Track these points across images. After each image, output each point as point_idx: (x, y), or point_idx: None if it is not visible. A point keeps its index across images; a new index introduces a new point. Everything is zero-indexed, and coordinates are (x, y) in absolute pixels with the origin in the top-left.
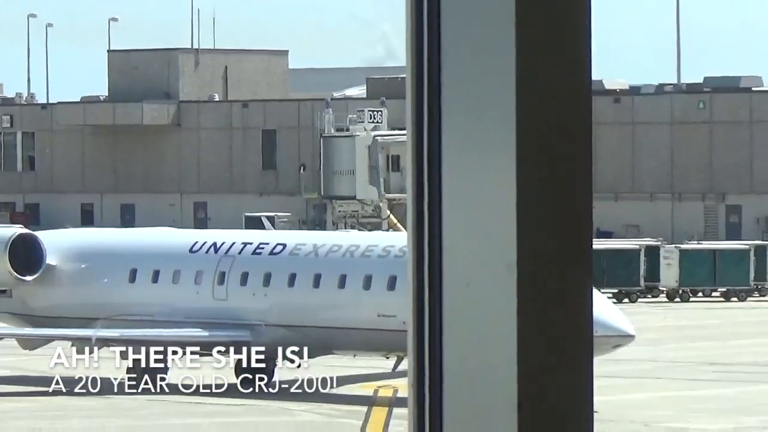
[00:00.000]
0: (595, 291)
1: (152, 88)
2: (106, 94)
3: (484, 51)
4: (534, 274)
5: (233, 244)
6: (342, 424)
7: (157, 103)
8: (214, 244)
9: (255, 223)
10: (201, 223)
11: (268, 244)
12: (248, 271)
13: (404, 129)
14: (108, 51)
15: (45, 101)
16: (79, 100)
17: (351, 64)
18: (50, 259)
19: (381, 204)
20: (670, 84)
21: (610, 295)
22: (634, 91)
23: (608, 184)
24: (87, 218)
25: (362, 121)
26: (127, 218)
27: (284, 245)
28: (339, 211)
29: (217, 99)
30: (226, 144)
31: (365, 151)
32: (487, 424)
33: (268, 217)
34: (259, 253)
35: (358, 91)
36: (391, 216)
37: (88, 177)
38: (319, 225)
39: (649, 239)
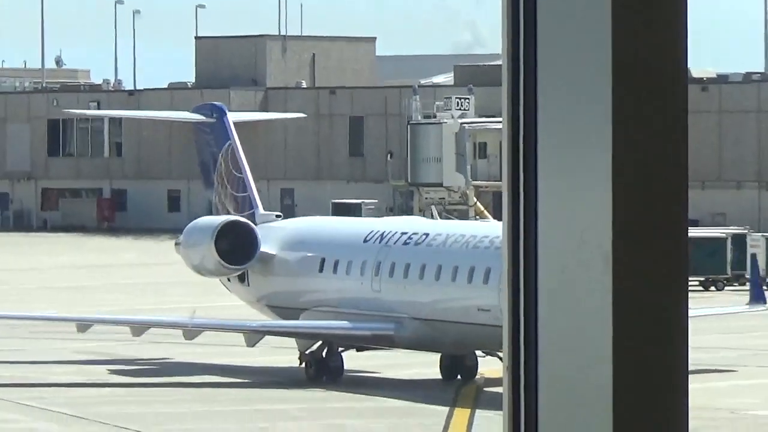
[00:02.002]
0: None
1: (239, 75)
2: (193, 80)
3: (580, 43)
4: (629, 262)
5: (394, 233)
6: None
7: (244, 89)
8: (382, 234)
9: (342, 210)
10: (287, 210)
11: (417, 234)
12: (395, 262)
13: (492, 116)
14: (195, 38)
15: (132, 88)
16: (166, 86)
17: (438, 51)
18: (264, 248)
19: (468, 191)
20: (758, 72)
21: (697, 283)
22: (722, 79)
23: (695, 173)
24: (173, 205)
25: (449, 109)
26: None
27: (427, 234)
28: (426, 198)
29: (305, 86)
30: (313, 131)
31: (452, 139)
32: (582, 409)
33: (354, 204)
34: (408, 244)
35: (446, 78)
36: (478, 203)
37: (174, 163)
38: (406, 212)
39: (735, 227)
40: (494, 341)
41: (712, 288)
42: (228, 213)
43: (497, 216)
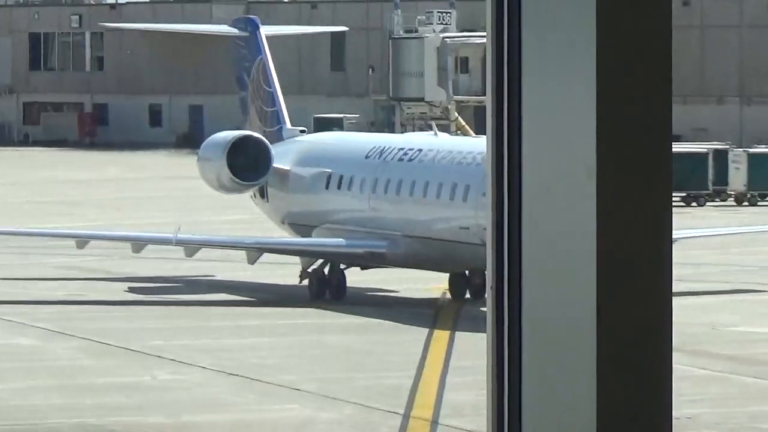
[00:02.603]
0: None
1: None
2: None
3: None
4: (613, 178)
5: (392, 149)
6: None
7: (226, 3)
8: (382, 150)
9: (323, 125)
10: None
11: (412, 150)
12: (389, 179)
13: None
14: None
15: (113, 1)
16: (148, 0)
17: None
18: (280, 163)
19: (449, 106)
20: None
21: (678, 198)
22: None
23: (676, 88)
24: (155, 119)
25: (431, 23)
26: (196, 119)
27: (420, 150)
28: (407, 113)
29: (287, 0)
30: (295, 45)
31: (434, 53)
32: (566, 324)
33: (336, 119)
34: (402, 160)
35: None
36: (459, 118)
37: (156, 77)
38: (388, 127)
39: (717, 143)
40: (479, 260)
41: (694, 204)
42: (259, 127)
43: (479, 131)
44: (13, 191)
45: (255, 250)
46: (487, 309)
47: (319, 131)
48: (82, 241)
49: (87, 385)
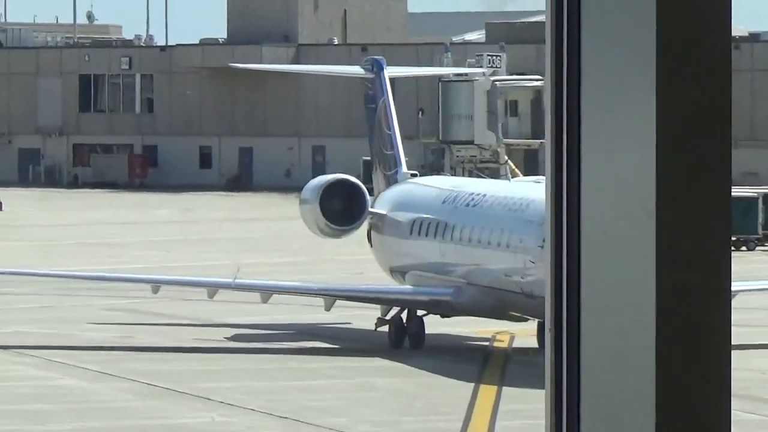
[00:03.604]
0: None
1: (271, 31)
2: (225, 36)
3: (625, 2)
4: (673, 221)
5: (464, 194)
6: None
7: (276, 46)
8: (456, 195)
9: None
10: (319, 167)
11: (478, 195)
12: (455, 225)
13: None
14: None
15: (164, 43)
16: (197, 42)
17: (470, 8)
18: (378, 208)
19: (499, 149)
20: None
21: None
22: (754, 38)
23: None
24: (205, 161)
25: (481, 66)
26: (245, 161)
27: (484, 195)
28: (457, 156)
29: (336, 42)
30: (345, 87)
31: (484, 96)
32: (625, 364)
33: None
34: (468, 206)
35: (478, 35)
36: (509, 161)
37: (206, 120)
38: (437, 170)
39: (767, 187)
40: (535, 311)
41: (743, 248)
42: (380, 170)
43: (528, 174)
44: (62, 233)
45: (320, 297)
46: (546, 352)
47: (367, 174)
48: (155, 285)
49: (133, 426)
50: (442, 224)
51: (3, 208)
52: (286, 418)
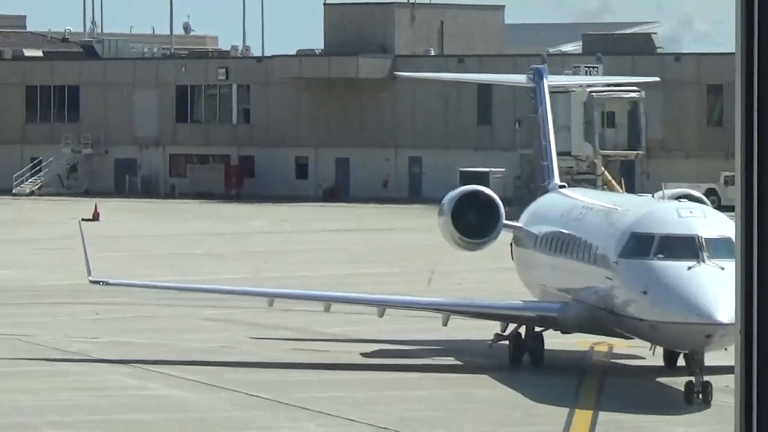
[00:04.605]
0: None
1: (368, 42)
2: (322, 47)
3: None
4: None
5: (577, 208)
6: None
7: (372, 56)
8: (570, 208)
9: (470, 179)
10: (415, 178)
11: (586, 208)
12: (564, 240)
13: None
14: (324, 4)
15: (260, 54)
16: (294, 53)
17: (566, 19)
18: (519, 221)
19: (596, 160)
20: None
21: None
22: None
23: None
24: (301, 172)
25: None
26: (341, 172)
27: (590, 209)
28: (534, 166)
29: (433, 53)
30: (442, 99)
31: (581, 107)
32: None
33: (481, 173)
34: (578, 220)
35: (574, 47)
36: (605, 173)
37: (302, 130)
38: (533, 181)
39: None
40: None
41: None
42: (538, 181)
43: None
44: (159, 243)
45: (427, 311)
46: (735, 354)
47: (465, 185)
48: (270, 299)
49: None
50: (555, 237)
51: (100, 218)
52: (385, 428)
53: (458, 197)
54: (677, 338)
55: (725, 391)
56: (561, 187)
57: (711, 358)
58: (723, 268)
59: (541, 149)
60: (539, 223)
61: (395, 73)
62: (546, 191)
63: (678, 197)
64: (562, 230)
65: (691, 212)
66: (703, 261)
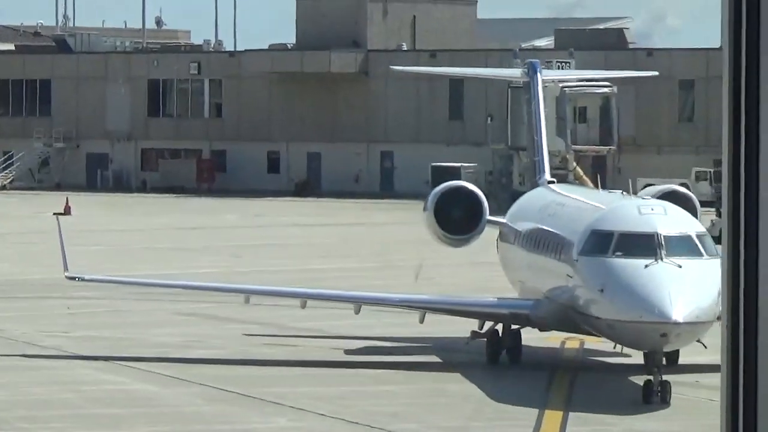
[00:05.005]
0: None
1: (340, 37)
2: (294, 42)
3: None
4: None
5: (551, 203)
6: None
7: (344, 51)
8: (546, 203)
9: (441, 174)
10: (387, 173)
11: (557, 204)
12: (537, 237)
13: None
14: None
15: (232, 49)
16: (266, 47)
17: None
18: (502, 217)
19: (568, 156)
20: None
21: None
22: None
23: None
24: (273, 166)
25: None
26: (313, 166)
27: (562, 205)
28: (525, 163)
29: (405, 48)
30: (414, 93)
31: (553, 102)
32: None
33: (453, 168)
34: (551, 216)
35: (547, 42)
36: (578, 168)
37: (274, 124)
38: (505, 177)
39: None
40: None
41: None
42: (532, 176)
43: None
44: (131, 237)
45: (401, 308)
46: (722, 347)
47: (435, 180)
48: (246, 296)
49: (204, 431)
50: (531, 234)
51: (72, 212)
52: (356, 423)
53: (440, 193)
54: (633, 337)
55: (695, 386)
56: (550, 182)
57: (689, 354)
58: (680, 266)
59: (533, 144)
60: (520, 219)
61: (391, 67)
62: (537, 186)
63: (664, 193)
64: (538, 226)
65: (652, 209)
66: (661, 259)
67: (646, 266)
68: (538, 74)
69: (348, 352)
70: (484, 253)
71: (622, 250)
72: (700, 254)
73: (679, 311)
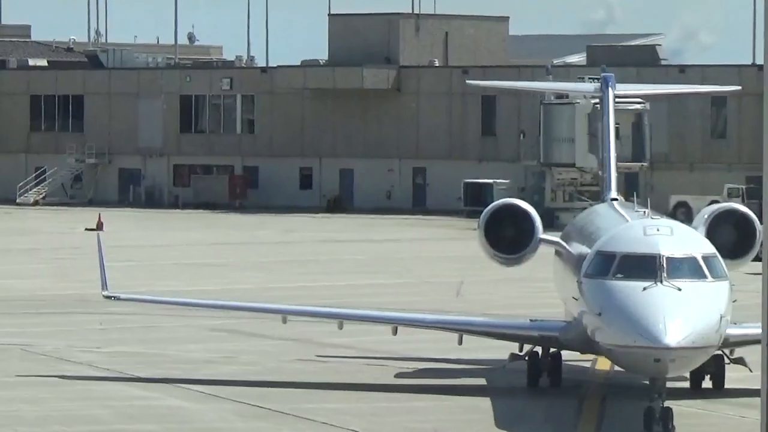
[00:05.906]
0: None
1: (372, 53)
2: (326, 58)
3: None
4: None
5: (594, 222)
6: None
7: (377, 67)
8: (589, 222)
9: (473, 190)
10: (419, 189)
11: (600, 226)
12: (573, 254)
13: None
14: (329, 15)
15: (265, 65)
16: (298, 63)
17: (571, 30)
18: (556, 236)
19: (600, 172)
20: None
21: None
22: None
23: None
24: (305, 183)
25: None
26: (345, 183)
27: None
28: (558, 179)
29: (438, 64)
30: (446, 109)
31: (585, 119)
32: None
33: (486, 184)
34: (587, 234)
35: (579, 58)
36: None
37: (306, 141)
38: (538, 193)
39: None
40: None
41: None
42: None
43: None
44: (163, 253)
45: (431, 329)
46: (762, 367)
47: (468, 196)
48: (284, 317)
49: None
50: (574, 253)
51: (104, 228)
52: None
53: (491, 211)
54: (629, 363)
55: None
56: (614, 199)
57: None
58: (680, 289)
59: (602, 160)
60: (568, 236)
61: (467, 81)
62: (602, 203)
63: (722, 212)
64: (580, 246)
65: (658, 230)
66: (661, 282)
67: (644, 289)
68: (611, 88)
69: (381, 369)
70: (527, 271)
71: (623, 272)
72: (704, 276)
73: (673, 336)
